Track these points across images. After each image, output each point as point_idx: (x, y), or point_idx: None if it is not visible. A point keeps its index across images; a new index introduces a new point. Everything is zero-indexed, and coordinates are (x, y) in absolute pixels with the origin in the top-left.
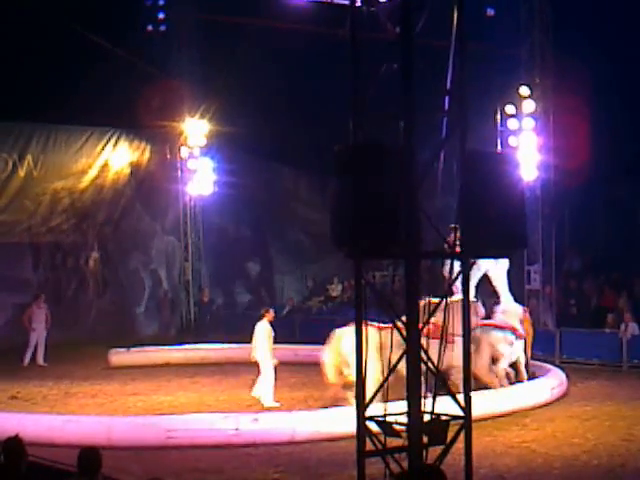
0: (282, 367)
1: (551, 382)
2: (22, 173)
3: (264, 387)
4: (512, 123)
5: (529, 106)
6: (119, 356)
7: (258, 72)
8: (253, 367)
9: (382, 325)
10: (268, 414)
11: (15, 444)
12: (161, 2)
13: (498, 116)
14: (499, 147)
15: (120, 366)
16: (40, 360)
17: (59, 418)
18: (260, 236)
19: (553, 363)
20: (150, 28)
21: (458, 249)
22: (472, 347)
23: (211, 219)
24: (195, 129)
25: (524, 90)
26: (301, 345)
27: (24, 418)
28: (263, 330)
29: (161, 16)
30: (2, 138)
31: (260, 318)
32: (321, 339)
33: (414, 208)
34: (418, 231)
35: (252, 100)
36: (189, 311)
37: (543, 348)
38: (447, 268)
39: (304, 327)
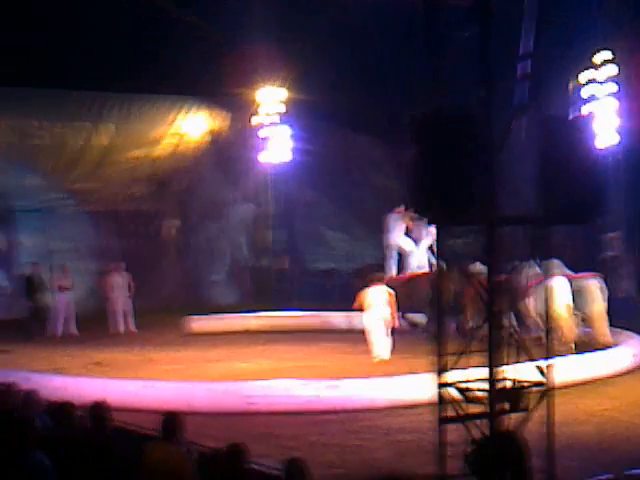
0: (361, 335)
1: (633, 350)
2: (101, 142)
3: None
4: (590, 89)
5: (610, 70)
6: (199, 323)
7: (334, 40)
8: (331, 334)
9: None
10: (347, 381)
11: (101, 409)
12: None
13: (576, 81)
14: (576, 113)
15: (200, 333)
16: (131, 326)
17: (141, 384)
18: (337, 204)
19: (636, 331)
20: None
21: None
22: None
23: (289, 186)
24: (273, 97)
25: (603, 54)
26: None
27: (108, 383)
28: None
29: None
30: (82, 107)
31: (373, 282)
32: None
33: (492, 174)
34: (496, 197)
35: (328, 68)
36: (268, 278)
37: (626, 315)
38: None
39: None
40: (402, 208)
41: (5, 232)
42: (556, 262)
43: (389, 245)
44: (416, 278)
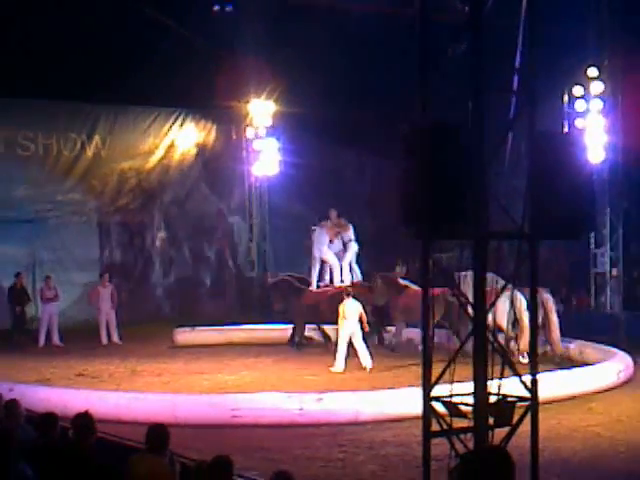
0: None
1: (617, 366)
2: (90, 153)
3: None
4: (579, 104)
5: (597, 87)
6: (184, 335)
7: (324, 53)
8: (315, 348)
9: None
10: (332, 394)
11: (85, 420)
12: None
13: (565, 97)
14: (566, 128)
15: (185, 345)
16: (115, 338)
17: (125, 395)
18: (324, 217)
19: (619, 347)
20: (216, 8)
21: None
22: None
23: (276, 200)
24: (261, 110)
25: (592, 71)
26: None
27: (91, 395)
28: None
29: None
30: (71, 118)
31: (348, 296)
32: (386, 320)
33: (482, 189)
34: (486, 212)
35: (318, 81)
36: (253, 291)
37: (609, 331)
38: None
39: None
40: (329, 221)
41: None
42: (491, 276)
43: (315, 257)
44: (337, 293)
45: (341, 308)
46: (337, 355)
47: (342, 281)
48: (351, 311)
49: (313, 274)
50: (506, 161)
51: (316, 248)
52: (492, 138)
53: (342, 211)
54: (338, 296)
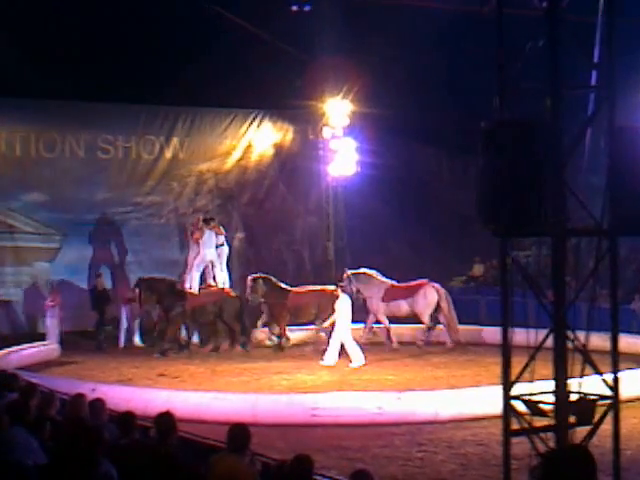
0: (425, 347)
1: None
2: (169, 155)
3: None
4: None
5: None
6: (263, 335)
7: (402, 52)
8: (398, 348)
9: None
10: (411, 393)
11: (167, 420)
12: None
13: None
14: None
15: (264, 345)
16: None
17: (206, 395)
18: (403, 216)
19: None
20: (295, 8)
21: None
22: None
23: (353, 199)
24: (338, 109)
25: None
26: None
27: (172, 395)
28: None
29: None
30: (150, 121)
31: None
32: (463, 319)
33: (561, 185)
34: (565, 209)
35: (394, 80)
36: None
37: None
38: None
39: None
40: (213, 223)
41: (76, 244)
42: (374, 272)
43: (203, 260)
44: (224, 294)
45: (337, 305)
46: (330, 349)
47: (224, 283)
48: (347, 307)
49: (195, 277)
50: (585, 157)
51: (207, 250)
52: (571, 134)
53: (419, 210)
54: (226, 296)
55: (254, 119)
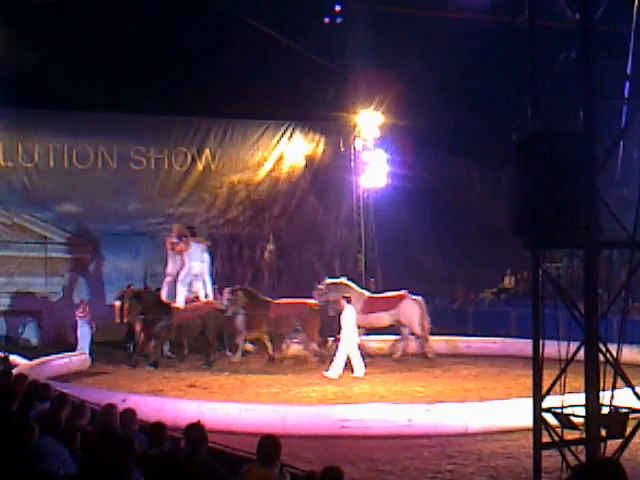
0: (454, 359)
1: None
2: (200, 166)
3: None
4: None
5: None
6: (292, 346)
7: (431, 64)
8: (422, 360)
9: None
10: (441, 405)
11: (197, 430)
12: None
13: None
14: None
15: (294, 356)
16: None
17: (236, 406)
18: (433, 228)
19: None
20: (327, 20)
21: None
22: None
23: (384, 211)
24: (369, 121)
25: None
26: (474, 337)
27: (202, 406)
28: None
29: (337, 8)
30: (182, 133)
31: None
32: (494, 331)
33: (594, 197)
34: (597, 221)
35: (425, 92)
36: None
37: None
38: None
39: (477, 319)
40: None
41: (105, 255)
42: (352, 283)
43: (189, 273)
44: (211, 308)
45: (343, 316)
46: (336, 361)
47: (206, 296)
48: (352, 319)
49: (183, 290)
50: (617, 169)
51: (194, 263)
52: (603, 146)
53: (449, 221)
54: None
55: (286, 130)
